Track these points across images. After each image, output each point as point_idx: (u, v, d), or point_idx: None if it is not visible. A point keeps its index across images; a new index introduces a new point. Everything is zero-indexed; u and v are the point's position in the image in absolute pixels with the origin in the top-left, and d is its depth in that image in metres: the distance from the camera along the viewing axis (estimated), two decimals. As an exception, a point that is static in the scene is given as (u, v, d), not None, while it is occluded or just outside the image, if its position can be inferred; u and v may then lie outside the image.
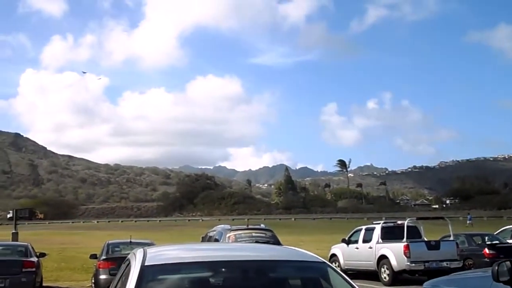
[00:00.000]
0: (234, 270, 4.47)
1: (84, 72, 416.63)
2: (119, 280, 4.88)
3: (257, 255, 4.91)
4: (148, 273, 4.11)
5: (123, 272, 4.80)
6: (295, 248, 5.56)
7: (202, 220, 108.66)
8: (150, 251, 4.63)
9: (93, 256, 17.71)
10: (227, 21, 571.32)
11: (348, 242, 21.96)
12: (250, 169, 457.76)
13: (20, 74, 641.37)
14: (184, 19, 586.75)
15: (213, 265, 4.47)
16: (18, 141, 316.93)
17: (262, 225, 21.28)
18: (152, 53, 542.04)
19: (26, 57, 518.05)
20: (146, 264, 4.21)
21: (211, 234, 20.34)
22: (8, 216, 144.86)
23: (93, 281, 16.69)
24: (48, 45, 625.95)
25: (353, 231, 22.49)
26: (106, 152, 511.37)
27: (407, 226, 19.79)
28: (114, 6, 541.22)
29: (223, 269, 4.48)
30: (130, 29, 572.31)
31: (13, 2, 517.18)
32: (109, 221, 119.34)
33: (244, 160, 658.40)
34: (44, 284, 17.92)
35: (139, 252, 4.58)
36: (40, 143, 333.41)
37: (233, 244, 8.59)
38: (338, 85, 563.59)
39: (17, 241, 30.85)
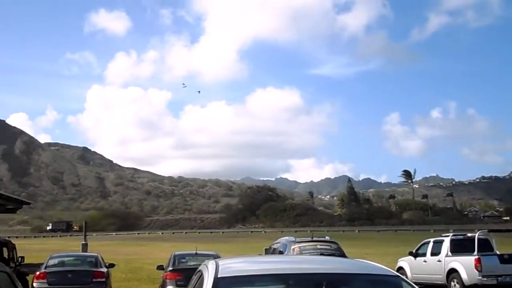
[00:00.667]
0: (306, 284, 4.42)
1: (184, 85, 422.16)
2: (192, 291, 4.91)
3: (329, 268, 4.84)
4: (221, 285, 4.13)
5: (196, 284, 4.83)
6: (366, 261, 5.44)
7: (265, 231, 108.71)
8: (222, 263, 4.64)
9: (160, 267, 17.97)
10: (285, 33, 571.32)
11: (415, 255, 21.41)
12: (312, 181, 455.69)
13: (87, 90, 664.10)
14: (243, 33, 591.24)
15: (285, 278, 4.44)
16: (86, 155, 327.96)
17: (327, 237, 21.03)
18: (213, 67, 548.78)
19: (92, 74, 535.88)
20: (219, 276, 4.23)
21: (275, 246, 20.27)
22: (48, 228, 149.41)
23: (160, 291, 16.92)
24: (113, 62, 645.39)
25: (420, 243, 21.90)
26: (169, 165, 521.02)
27: (478, 239, 19.10)
28: (175, 23, 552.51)
29: (295, 282, 4.43)
30: (190, 44, 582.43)
31: (79, 22, 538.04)
32: (173, 233, 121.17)
33: (305, 171, 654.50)
34: (113, 294, 18.28)
35: (211, 264, 4.60)
36: (106, 156, 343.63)
37: (303, 257, 8.49)
38: (400, 94, 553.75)
39: (86, 252, 31.73)
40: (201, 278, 4.62)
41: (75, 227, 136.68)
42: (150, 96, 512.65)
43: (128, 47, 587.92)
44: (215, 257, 15.60)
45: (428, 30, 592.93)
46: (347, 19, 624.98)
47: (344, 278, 4.56)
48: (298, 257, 10.59)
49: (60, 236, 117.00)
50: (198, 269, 5.18)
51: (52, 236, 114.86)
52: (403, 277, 4.87)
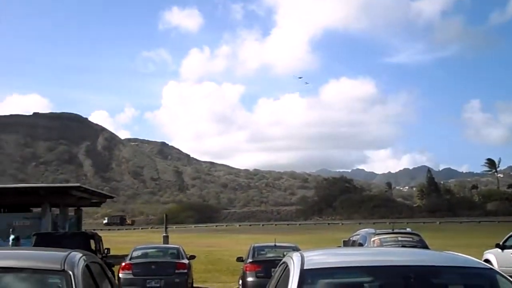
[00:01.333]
0: (394, 276, 4.30)
1: (300, 77, 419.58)
2: (276, 283, 4.90)
3: (417, 260, 4.69)
4: (308, 277, 4.09)
5: (280, 276, 4.82)
6: (455, 253, 5.23)
7: (342, 223, 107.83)
8: (307, 255, 4.60)
9: (240, 259, 18.16)
10: (357, 22, 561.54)
11: (503, 247, 20.55)
12: (389, 172, 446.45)
13: (163, 86, 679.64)
14: (314, 24, 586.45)
15: (372, 270, 4.35)
16: (164, 150, 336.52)
17: (408, 229, 20.55)
18: (285, 59, 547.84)
19: (168, 71, 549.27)
20: (305, 268, 4.19)
21: (354, 238, 20.02)
22: (104, 222, 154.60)
23: (240, 283, 17.07)
24: (187, 58, 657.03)
25: (508, 235, 21.00)
26: (245, 158, 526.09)
27: None
28: (246, 17, 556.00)
29: (383, 275, 4.33)
30: (262, 38, 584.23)
31: (153, 21, 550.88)
32: (250, 225, 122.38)
33: (382, 162, 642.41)
34: (194, 285, 18.64)
35: (295, 256, 4.57)
36: (184, 150, 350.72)
37: (388, 249, 8.29)
38: (480, 80, 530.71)
39: (168, 244, 32.57)
40: (286, 269, 4.60)
41: (128, 221, 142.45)
42: (223, 91, 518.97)
43: (201, 43, 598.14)
44: (294, 249, 15.58)
45: (508, 14, 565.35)
46: (422, 5, 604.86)
47: (433, 271, 4.40)
48: (382, 249, 10.36)
49: (142, 228, 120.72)
50: (282, 261, 5.17)
51: (142, 229, 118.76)
52: (497, 269, 4.65)
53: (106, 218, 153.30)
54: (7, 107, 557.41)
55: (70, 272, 3.56)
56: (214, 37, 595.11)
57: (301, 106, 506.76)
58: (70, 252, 4.00)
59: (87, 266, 4.02)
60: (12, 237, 24.59)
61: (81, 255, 4.12)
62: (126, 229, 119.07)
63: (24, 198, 36.51)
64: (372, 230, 19.20)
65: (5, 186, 44.63)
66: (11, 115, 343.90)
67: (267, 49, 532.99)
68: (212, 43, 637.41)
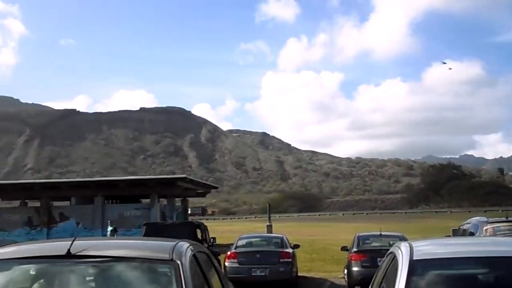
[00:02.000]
0: (510, 267, 4.03)
1: (444, 62, 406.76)
2: (384, 274, 4.75)
3: None
4: (417, 268, 3.92)
5: (388, 266, 4.66)
6: None
7: (451, 212, 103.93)
8: (416, 245, 4.41)
9: (344, 248, 17.95)
10: (459, 1, 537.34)
11: None
12: (501, 157, 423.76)
13: (262, 77, 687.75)
14: (414, 6, 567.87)
15: (486, 261, 4.08)
16: (265, 140, 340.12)
17: (524, 217, 19.32)
18: (384, 44, 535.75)
19: (266, 62, 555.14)
20: (414, 258, 4.02)
21: (465, 227, 19.13)
22: (189, 213, 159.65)
23: (345, 272, 16.89)
24: (285, 48, 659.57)
25: None
26: (346, 146, 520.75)
27: None
28: (343, 4, 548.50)
29: (497, 266, 4.06)
30: (360, 24, 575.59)
31: (250, 13, 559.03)
32: (353, 214, 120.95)
33: (492, 147, 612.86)
34: (298, 274, 18.66)
35: (404, 246, 4.40)
36: (284, 140, 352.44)
37: (503, 239, 7.81)
38: None
39: (271, 233, 32.86)
40: (394, 260, 4.44)
41: (209, 211, 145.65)
42: (322, 79, 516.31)
43: (299, 33, 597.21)
44: (401, 238, 15.15)
45: None
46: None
47: None
48: (496, 238, 9.79)
49: (246, 218, 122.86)
50: (389, 251, 5.00)
51: (245, 218, 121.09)
52: None
53: (189, 209, 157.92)
54: (116, 103, 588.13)
55: (178, 262, 3.62)
56: (311, 25, 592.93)
57: (403, 91, 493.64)
58: (178, 242, 4.08)
59: (194, 255, 4.07)
60: (110, 228, 25.58)
61: (188, 245, 4.19)
62: (230, 219, 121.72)
63: (134, 190, 38.28)
64: (484, 219, 18.20)
65: (116, 179, 47.03)
66: (120, 111, 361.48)
67: (366, 34, 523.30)
68: (309, 32, 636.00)
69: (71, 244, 3.52)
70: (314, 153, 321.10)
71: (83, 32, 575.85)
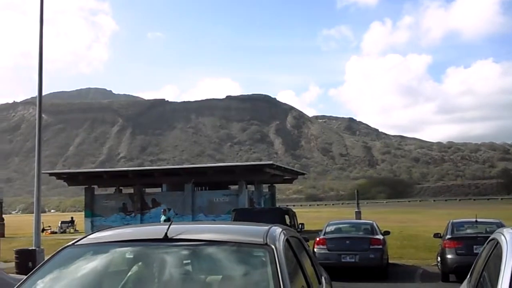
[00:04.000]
0: None
1: None
2: (485, 262, 4.52)
3: None
4: None
5: (490, 254, 4.42)
6: None
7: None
8: None
9: (437, 235, 17.40)
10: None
11: None
12: None
13: (345, 62, 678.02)
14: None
15: None
16: (352, 125, 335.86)
17: None
18: (474, 24, 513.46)
19: (349, 47, 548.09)
20: None
21: None
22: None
23: (438, 260, 16.38)
24: (368, 32, 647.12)
25: None
26: (435, 130, 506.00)
27: None
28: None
29: None
30: (447, 4, 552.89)
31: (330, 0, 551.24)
32: (446, 200, 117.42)
33: None
34: (389, 262, 18.31)
35: (508, 232, 4.15)
36: (371, 125, 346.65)
37: None
38: None
39: (360, 219, 32.45)
40: (497, 247, 4.20)
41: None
42: (408, 62, 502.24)
43: (382, 16, 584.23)
44: (498, 225, 14.50)
45: None
46: None
47: None
48: None
49: (333, 204, 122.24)
50: (490, 238, 4.74)
51: (333, 204, 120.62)
52: None
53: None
54: (202, 92, 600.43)
55: (273, 246, 3.60)
56: (394, 8, 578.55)
57: (496, 72, 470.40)
58: (271, 227, 4.06)
59: (287, 240, 4.05)
60: (163, 217, 25.00)
61: (281, 229, 4.17)
62: (317, 205, 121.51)
63: (222, 177, 38.93)
64: None
65: (205, 166, 48.00)
66: (207, 99, 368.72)
67: (453, 15, 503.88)
68: (393, 15, 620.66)
69: (168, 228, 3.59)
70: (402, 138, 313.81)
71: (169, 25, 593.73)
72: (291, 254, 4.03)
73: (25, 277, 6.24)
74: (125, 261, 3.87)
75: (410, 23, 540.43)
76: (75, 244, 3.79)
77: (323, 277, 5.39)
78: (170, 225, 3.65)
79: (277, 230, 4.05)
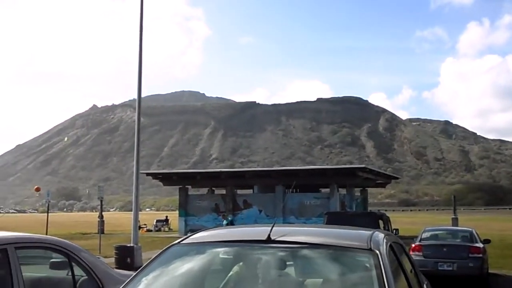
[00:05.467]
0: None
1: None
2: None
3: None
4: None
5: None
6: None
7: None
8: None
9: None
10: None
11: None
12: None
13: (440, 64, 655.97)
14: None
15: None
16: (448, 128, 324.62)
17: None
18: None
19: (444, 48, 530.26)
20: None
21: None
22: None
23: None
24: (464, 33, 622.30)
25: None
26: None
27: None
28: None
29: None
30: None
31: (424, 1, 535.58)
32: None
33: None
34: (489, 271, 17.47)
35: None
36: (469, 129, 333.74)
37: None
38: None
39: (457, 226, 31.23)
40: None
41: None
42: (508, 63, 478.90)
43: (479, 16, 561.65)
44: None
45: None
46: None
47: None
48: None
49: (427, 210, 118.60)
50: None
51: (427, 210, 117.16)
52: None
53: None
54: (292, 94, 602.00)
55: (377, 251, 3.51)
56: (492, 7, 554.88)
57: None
58: (374, 232, 3.97)
59: (390, 245, 3.94)
60: (225, 222, 25.06)
61: (383, 234, 4.06)
62: (410, 210, 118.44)
63: (314, 179, 38.79)
64: None
65: (297, 168, 48.13)
66: (297, 102, 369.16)
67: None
68: (492, 14, 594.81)
69: (271, 229, 3.59)
70: (502, 142, 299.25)
71: (259, 29, 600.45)
72: (395, 260, 3.93)
73: (127, 272, 6.51)
74: (227, 260, 3.92)
75: (510, 22, 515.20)
76: (181, 242, 3.88)
77: (424, 285, 5.21)
78: (273, 226, 3.65)
79: (380, 235, 3.95)
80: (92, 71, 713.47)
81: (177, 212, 45.10)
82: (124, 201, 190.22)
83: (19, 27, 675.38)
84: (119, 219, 58.48)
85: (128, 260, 17.03)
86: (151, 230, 47.43)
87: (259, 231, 3.84)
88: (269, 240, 3.57)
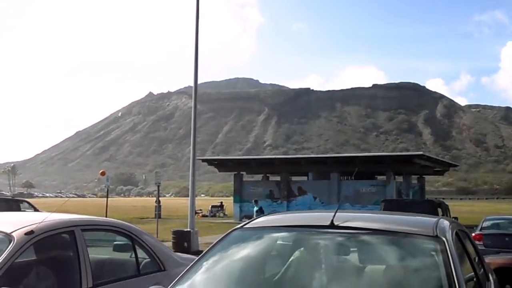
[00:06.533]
0: None
1: None
2: None
3: None
4: None
5: None
6: None
7: None
8: None
9: None
10: None
11: None
12: None
13: (500, 49, 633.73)
14: None
15: None
16: (509, 115, 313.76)
17: None
18: None
19: (505, 32, 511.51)
20: None
21: None
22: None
23: None
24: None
25: None
26: None
27: None
28: None
29: None
30: None
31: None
32: None
33: None
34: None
35: None
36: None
37: None
38: None
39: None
40: None
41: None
42: None
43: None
44: None
45: None
46: None
47: None
48: None
49: (486, 198, 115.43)
50: None
51: (486, 199, 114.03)
52: None
53: None
54: (346, 81, 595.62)
55: (443, 238, 3.43)
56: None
57: None
58: (439, 219, 3.89)
59: (456, 233, 3.85)
60: (255, 208, 24.83)
61: (449, 222, 3.97)
62: (469, 199, 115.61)
63: (369, 167, 38.32)
64: None
65: (352, 155, 47.67)
66: (352, 88, 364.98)
67: None
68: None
69: (334, 215, 3.56)
70: None
71: (312, 15, 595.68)
72: (460, 247, 3.84)
73: (188, 255, 6.62)
74: (288, 246, 3.92)
75: None
76: (243, 227, 3.90)
77: (489, 274, 5.08)
78: (336, 212, 3.62)
79: (445, 222, 3.87)
80: (148, 59, 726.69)
81: (231, 198, 45.49)
82: (179, 187, 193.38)
83: (80, 19, 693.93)
84: (174, 205, 59.49)
85: (185, 244, 17.31)
86: (206, 216, 48.04)
87: (321, 217, 3.82)
88: (332, 226, 3.54)
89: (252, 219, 4.10)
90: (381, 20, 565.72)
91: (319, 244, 3.74)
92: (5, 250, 4.03)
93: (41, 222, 4.40)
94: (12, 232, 4.21)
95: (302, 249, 3.85)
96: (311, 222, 3.89)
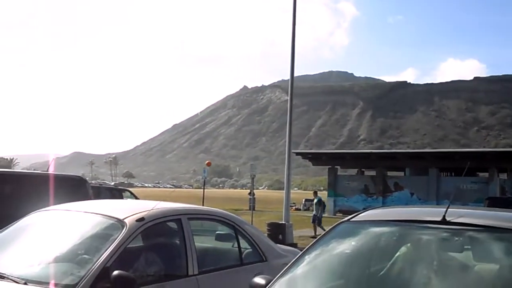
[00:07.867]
0: None
1: None
2: None
3: None
4: None
5: None
6: None
7: None
8: None
9: None
10: None
11: None
12: None
13: None
14: None
15: None
16: None
17: None
18: None
19: None
20: None
21: None
22: None
23: None
24: None
25: None
26: None
27: None
28: None
29: None
30: None
31: None
32: None
33: None
34: None
35: None
36: None
37: None
38: None
39: None
40: None
41: None
42: None
43: None
44: None
45: None
46: None
47: None
48: None
49: None
50: None
51: None
52: None
53: None
54: (444, 74, 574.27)
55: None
56: None
57: None
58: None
59: None
60: (315, 200, 24.28)
61: None
62: None
63: (470, 163, 36.74)
64: None
65: (452, 151, 46.00)
66: (451, 81, 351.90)
67: None
68: None
69: (446, 210, 3.44)
70: None
71: (409, 7, 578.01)
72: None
73: (288, 247, 6.66)
74: (396, 240, 3.81)
75: None
76: (350, 220, 3.86)
77: None
78: (448, 207, 3.49)
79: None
80: (243, 54, 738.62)
81: (324, 192, 45.23)
82: (272, 179, 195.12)
83: (177, 15, 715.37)
84: (268, 197, 60.03)
85: (280, 237, 17.41)
86: (299, 209, 48.10)
87: (432, 212, 3.71)
88: (444, 221, 3.41)
89: (360, 212, 4.03)
90: (484, 9, 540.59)
91: (428, 240, 3.62)
92: (118, 236, 4.22)
93: (151, 210, 4.58)
94: (124, 218, 4.40)
95: (409, 244, 3.74)
96: (421, 217, 3.76)
